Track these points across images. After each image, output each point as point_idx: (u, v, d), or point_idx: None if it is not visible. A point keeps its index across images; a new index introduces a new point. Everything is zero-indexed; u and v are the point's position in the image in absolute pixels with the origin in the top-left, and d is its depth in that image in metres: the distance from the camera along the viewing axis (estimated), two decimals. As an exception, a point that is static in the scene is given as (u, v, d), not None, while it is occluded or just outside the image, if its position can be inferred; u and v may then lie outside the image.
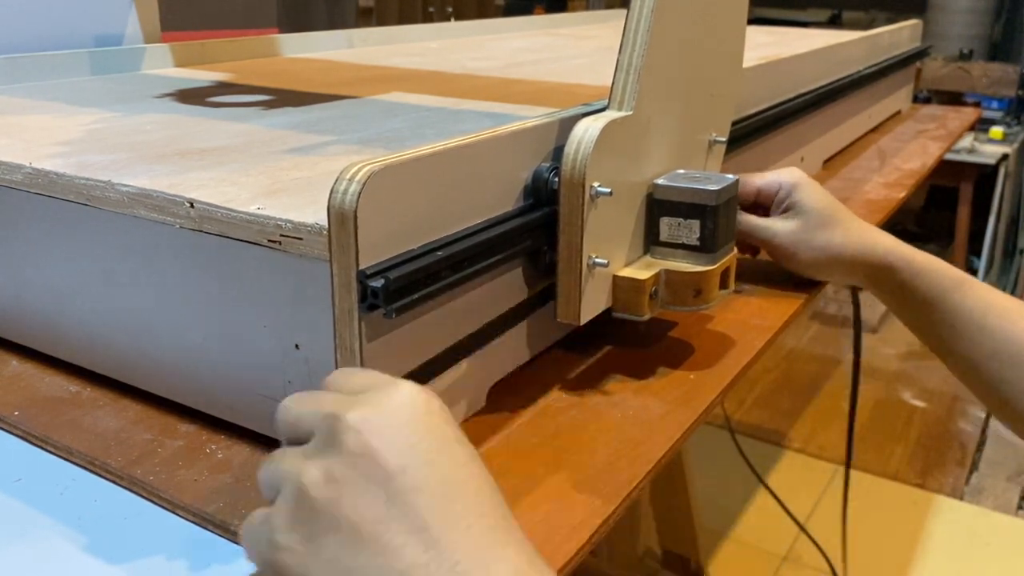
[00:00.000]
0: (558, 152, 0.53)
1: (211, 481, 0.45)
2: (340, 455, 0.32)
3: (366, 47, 1.26)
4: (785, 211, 0.70)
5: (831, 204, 0.70)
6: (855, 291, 0.97)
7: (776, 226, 0.70)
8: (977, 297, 0.64)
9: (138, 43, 1.04)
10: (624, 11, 0.56)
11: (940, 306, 0.65)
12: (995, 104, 3.28)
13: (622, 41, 0.55)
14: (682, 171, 0.61)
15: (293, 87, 0.87)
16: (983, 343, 0.63)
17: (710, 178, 0.58)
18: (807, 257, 0.70)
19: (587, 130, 0.52)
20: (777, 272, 0.73)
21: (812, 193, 0.70)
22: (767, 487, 1.85)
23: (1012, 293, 2.77)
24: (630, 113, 0.55)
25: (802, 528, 1.83)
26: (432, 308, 0.47)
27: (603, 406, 0.54)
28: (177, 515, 0.44)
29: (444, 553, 0.31)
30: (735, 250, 0.61)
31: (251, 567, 0.39)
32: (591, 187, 0.52)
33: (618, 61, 0.56)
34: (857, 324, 1.05)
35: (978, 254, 3.16)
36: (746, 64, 0.74)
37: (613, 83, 0.56)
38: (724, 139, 0.70)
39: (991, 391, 0.64)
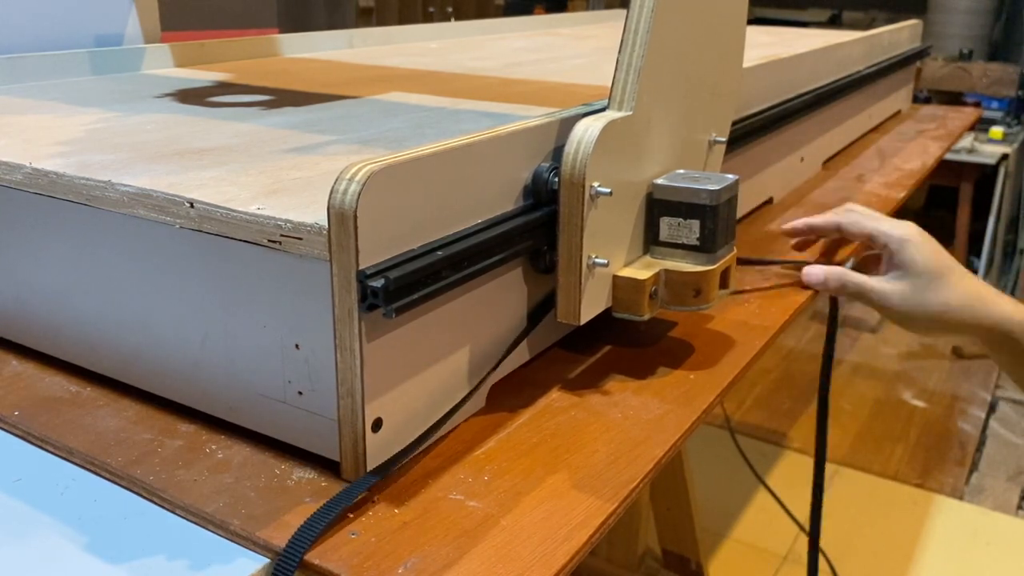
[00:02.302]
0: (558, 152, 0.53)
1: (211, 481, 0.45)
2: None
3: (366, 47, 1.26)
4: (894, 268, 0.68)
5: (942, 262, 0.67)
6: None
7: (887, 289, 0.67)
8: None
9: (138, 43, 1.04)
10: (624, 11, 0.56)
11: None
12: (995, 104, 3.28)
13: (622, 41, 0.55)
14: (682, 171, 0.61)
15: (293, 87, 0.87)
16: None
17: (710, 178, 0.58)
18: (922, 320, 0.67)
19: (587, 130, 0.52)
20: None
21: (923, 252, 0.67)
22: (767, 487, 1.85)
23: (1012, 293, 2.77)
24: (630, 113, 0.55)
25: (802, 528, 1.83)
26: (432, 308, 0.47)
27: (603, 406, 0.54)
28: (177, 515, 0.44)
29: None
30: (735, 250, 0.61)
31: (252, 567, 0.39)
32: (591, 187, 0.52)
33: (618, 61, 0.56)
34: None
35: (978, 254, 3.16)
36: (746, 64, 0.74)
37: (613, 83, 0.56)
38: (724, 139, 0.70)
39: None
